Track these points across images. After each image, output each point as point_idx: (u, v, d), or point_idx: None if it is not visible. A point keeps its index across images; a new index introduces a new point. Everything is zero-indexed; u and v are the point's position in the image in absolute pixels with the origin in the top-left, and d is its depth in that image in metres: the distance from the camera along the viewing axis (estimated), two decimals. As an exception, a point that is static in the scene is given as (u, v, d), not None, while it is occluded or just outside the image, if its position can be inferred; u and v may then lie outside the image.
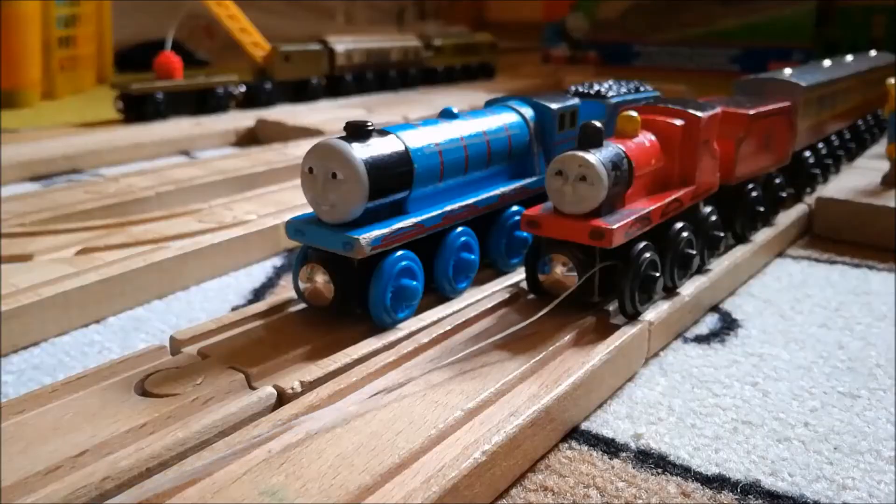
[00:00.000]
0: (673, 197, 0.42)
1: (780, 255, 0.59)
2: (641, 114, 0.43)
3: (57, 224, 0.57)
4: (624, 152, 0.40)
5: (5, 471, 0.27)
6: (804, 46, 1.71)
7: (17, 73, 1.18)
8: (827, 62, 0.80)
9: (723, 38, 1.82)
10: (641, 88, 0.59)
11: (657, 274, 0.40)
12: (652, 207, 0.40)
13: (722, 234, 0.47)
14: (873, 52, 1.00)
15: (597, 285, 0.40)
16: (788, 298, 0.51)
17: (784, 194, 0.57)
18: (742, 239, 0.53)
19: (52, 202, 0.63)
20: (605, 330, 0.40)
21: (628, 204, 0.40)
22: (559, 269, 0.39)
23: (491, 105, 0.49)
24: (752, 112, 0.50)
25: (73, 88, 1.34)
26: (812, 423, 0.36)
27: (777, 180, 0.57)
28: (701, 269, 0.47)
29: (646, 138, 0.43)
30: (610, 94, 0.55)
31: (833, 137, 0.74)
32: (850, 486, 0.31)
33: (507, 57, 1.86)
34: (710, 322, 0.47)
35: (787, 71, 0.68)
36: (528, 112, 0.48)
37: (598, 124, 0.39)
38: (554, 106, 0.48)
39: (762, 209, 0.52)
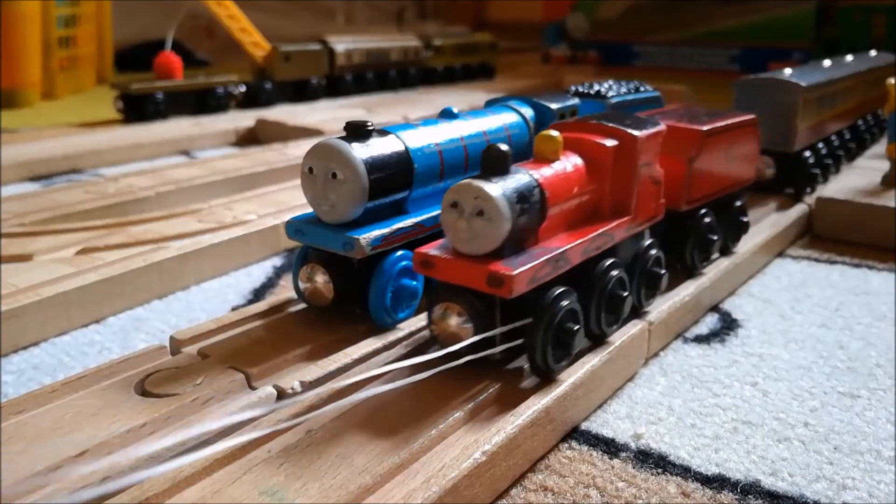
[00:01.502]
0: (601, 230, 0.36)
1: (780, 255, 0.59)
2: (567, 132, 0.37)
3: (57, 224, 0.57)
4: (536, 181, 0.33)
5: (5, 471, 0.27)
6: (804, 46, 1.71)
7: (17, 73, 1.18)
8: (827, 62, 0.80)
9: (723, 38, 1.82)
10: (641, 88, 0.59)
11: (576, 326, 0.34)
12: (571, 245, 0.34)
13: (663, 272, 0.41)
14: (873, 52, 1.00)
15: (499, 340, 0.33)
16: (788, 298, 0.51)
17: (746, 219, 0.51)
18: (692, 271, 0.47)
19: (52, 202, 0.63)
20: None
21: (543, 240, 0.34)
22: (454, 321, 0.33)
23: (491, 105, 0.49)
24: (706, 128, 0.45)
25: (73, 88, 1.34)
26: (812, 423, 0.36)
27: (738, 203, 0.51)
28: (638, 312, 0.41)
29: (569, 162, 0.36)
30: (610, 94, 0.55)
31: (833, 137, 0.74)
32: (850, 486, 0.31)
33: (507, 57, 1.86)
34: (710, 322, 0.47)
35: (787, 71, 0.68)
36: (528, 112, 0.48)
37: (504, 147, 0.32)
38: (554, 106, 0.48)
39: (715, 238, 0.47)
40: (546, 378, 0.34)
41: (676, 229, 0.45)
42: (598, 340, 0.38)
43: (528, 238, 0.33)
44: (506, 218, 0.31)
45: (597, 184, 0.37)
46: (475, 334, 0.32)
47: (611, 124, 0.38)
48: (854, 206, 0.62)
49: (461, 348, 0.31)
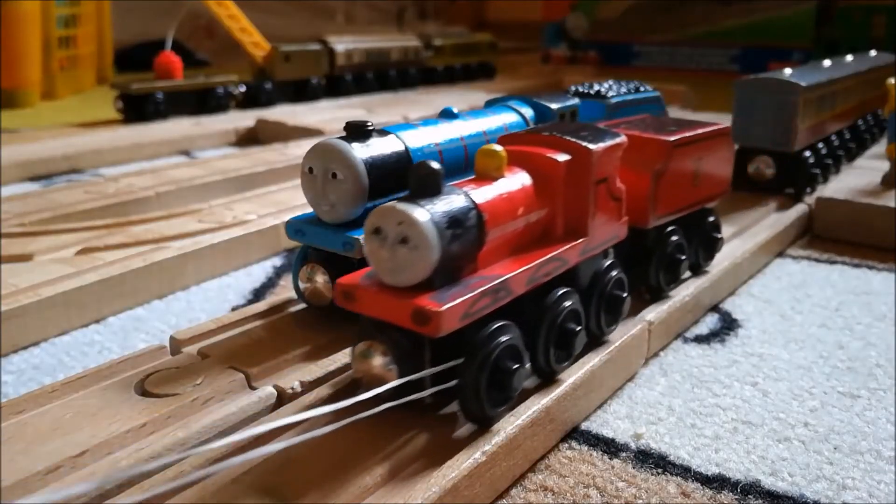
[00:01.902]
0: (552, 254, 0.32)
1: (780, 255, 0.59)
2: (515, 145, 0.34)
3: (57, 224, 0.57)
4: (472, 202, 0.29)
5: (5, 471, 0.27)
6: (804, 46, 1.71)
7: (17, 73, 1.18)
8: (827, 62, 0.80)
9: (723, 38, 1.82)
10: (641, 88, 0.59)
11: (515, 365, 0.30)
12: (514, 272, 0.30)
13: (625, 295, 0.38)
14: (873, 52, 1.00)
15: (429, 383, 0.29)
16: (788, 298, 0.51)
17: (719, 235, 0.47)
18: (658, 294, 0.43)
19: (52, 202, 0.63)
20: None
21: (483, 268, 0.30)
22: (377, 361, 0.29)
23: (491, 105, 0.49)
24: (673, 138, 0.41)
25: (73, 88, 1.34)
26: (812, 423, 0.36)
27: (711, 218, 0.47)
28: (599, 340, 0.38)
29: (514, 180, 0.32)
30: (610, 94, 0.55)
31: (833, 137, 0.74)
32: (850, 486, 0.31)
33: (507, 57, 1.86)
34: (710, 322, 0.47)
35: (787, 71, 0.68)
36: (528, 112, 0.48)
37: (435, 165, 0.29)
38: (554, 106, 0.48)
39: (683, 257, 0.43)
40: (483, 425, 0.30)
41: (641, 248, 0.42)
42: (548, 377, 0.34)
43: (463, 266, 0.30)
44: (433, 246, 0.27)
45: (547, 203, 0.33)
46: (400, 377, 0.28)
47: (564, 136, 0.34)
48: (854, 206, 0.62)
49: (384, 392, 0.28)
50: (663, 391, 0.39)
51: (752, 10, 1.78)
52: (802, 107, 0.63)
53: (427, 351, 0.29)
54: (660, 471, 0.32)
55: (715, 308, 0.49)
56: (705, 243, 0.47)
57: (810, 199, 0.65)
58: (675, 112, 0.97)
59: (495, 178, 0.32)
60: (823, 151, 0.70)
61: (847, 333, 0.46)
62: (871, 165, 0.74)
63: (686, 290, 0.45)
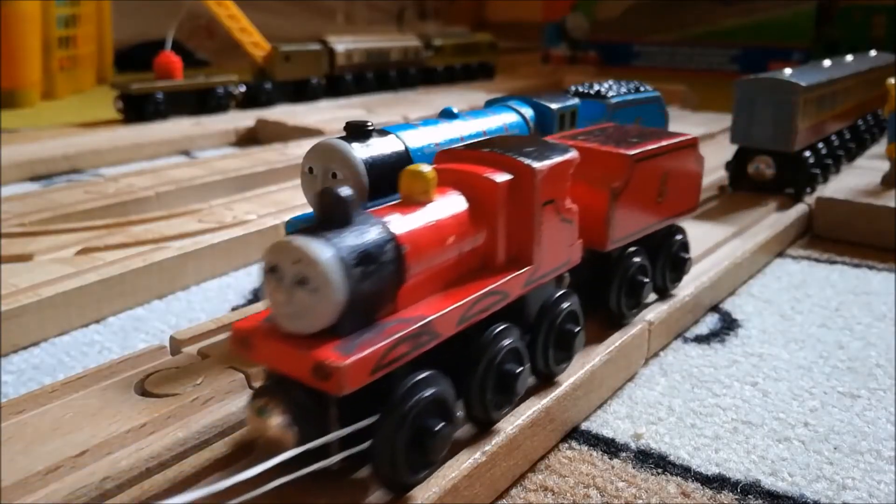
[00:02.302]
0: (489, 288, 0.28)
1: (780, 255, 0.59)
2: (450, 164, 0.31)
3: (57, 224, 0.57)
4: (390, 233, 0.26)
5: (5, 471, 0.27)
6: (804, 46, 1.71)
7: (17, 73, 1.18)
8: (827, 62, 0.80)
9: (723, 38, 1.82)
10: (641, 88, 0.59)
11: (440, 424, 0.26)
12: (441, 312, 0.26)
13: (577, 328, 0.34)
14: (873, 52, 1.00)
15: (337, 447, 0.25)
16: (788, 298, 0.51)
17: (687, 256, 0.44)
18: (619, 319, 0.40)
19: (52, 202, 0.63)
20: (602, 331, 0.39)
21: (405, 307, 0.26)
22: (275, 421, 0.25)
23: (491, 105, 0.49)
24: (633, 152, 0.38)
25: (73, 88, 1.34)
26: (812, 423, 0.36)
27: (678, 237, 0.44)
28: (550, 379, 0.34)
29: (445, 204, 0.29)
30: (610, 94, 0.55)
31: (833, 137, 0.74)
32: (850, 486, 0.31)
33: (507, 57, 1.86)
34: (710, 322, 0.47)
35: (787, 71, 0.68)
36: (528, 112, 0.48)
37: (345, 191, 0.25)
38: (554, 106, 0.48)
39: (646, 280, 0.40)
40: (399, 494, 0.26)
41: (600, 272, 0.39)
42: (486, 425, 0.30)
43: (379, 307, 0.25)
44: (337, 287, 0.23)
45: (485, 229, 0.30)
46: (300, 442, 0.24)
47: (505, 153, 0.31)
48: (854, 206, 0.62)
49: (281, 461, 0.23)
50: (663, 391, 0.39)
51: (752, 10, 1.78)
52: (802, 107, 0.63)
53: (333, 410, 0.25)
54: (660, 471, 0.32)
55: (715, 308, 0.49)
56: (672, 264, 0.43)
57: (810, 199, 0.65)
58: (675, 112, 0.97)
59: (422, 203, 0.28)
60: (823, 151, 0.70)
61: (847, 333, 0.46)
62: (871, 165, 0.74)
63: (686, 290, 0.45)
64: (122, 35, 1.56)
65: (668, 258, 0.43)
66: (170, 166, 0.78)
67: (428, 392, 0.26)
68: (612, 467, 0.32)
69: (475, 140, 0.33)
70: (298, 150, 0.84)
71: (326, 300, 0.23)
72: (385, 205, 0.28)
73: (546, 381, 0.34)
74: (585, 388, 0.35)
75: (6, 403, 0.31)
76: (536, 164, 0.30)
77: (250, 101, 1.14)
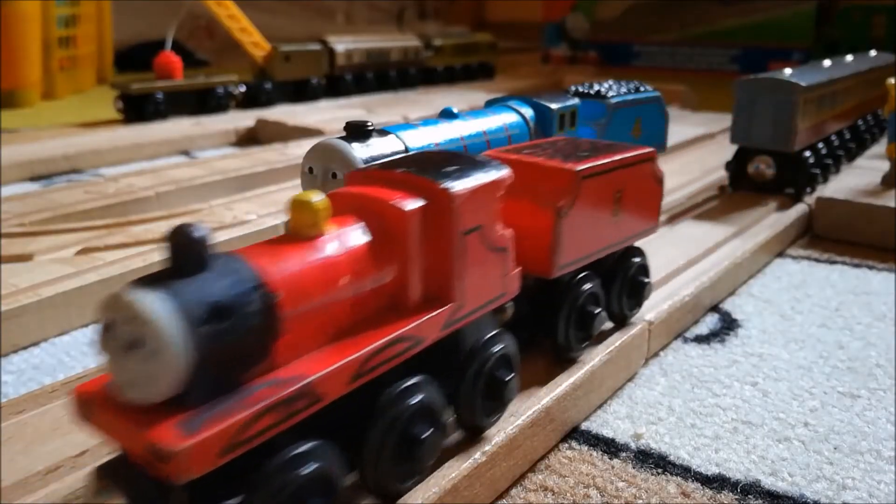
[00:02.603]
0: (394, 334, 0.24)
1: (780, 255, 0.59)
2: (359, 186, 0.27)
3: (57, 224, 0.57)
4: (256, 278, 0.21)
5: (5, 471, 0.27)
6: (804, 46, 1.71)
7: (17, 73, 1.18)
8: (827, 62, 0.80)
9: (723, 38, 1.82)
10: (641, 88, 0.59)
11: None
12: (324, 371, 0.22)
13: (510, 376, 0.29)
14: (873, 52, 1.00)
15: None
16: (788, 298, 0.51)
17: (647, 280, 0.40)
18: (566, 352, 0.36)
19: (52, 202, 0.63)
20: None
21: (283, 363, 0.22)
22: None
23: (491, 105, 0.49)
24: (581, 167, 0.34)
25: (73, 88, 1.34)
26: (812, 423, 0.36)
27: (636, 259, 0.40)
28: (479, 434, 0.30)
29: (338, 238, 0.24)
30: (610, 94, 0.55)
31: (833, 137, 0.74)
32: (850, 486, 0.31)
33: (507, 57, 1.86)
34: (710, 322, 0.47)
35: (787, 71, 0.68)
36: (528, 112, 0.48)
37: (199, 231, 0.20)
38: (554, 106, 0.48)
39: (598, 310, 0.36)
40: None
41: (546, 302, 0.35)
42: (392, 497, 0.26)
43: (246, 367, 0.21)
44: (178, 351, 0.19)
45: (394, 264, 0.26)
46: None
47: (420, 174, 0.27)
48: (854, 206, 0.62)
49: None
50: (663, 391, 0.39)
51: (752, 10, 1.78)
52: (802, 107, 0.63)
53: (179, 496, 0.20)
54: (660, 471, 0.32)
55: (715, 308, 0.49)
56: (630, 289, 0.39)
57: (810, 199, 0.65)
58: (675, 112, 0.97)
59: (310, 239, 0.24)
60: (823, 151, 0.70)
61: (847, 333, 0.46)
62: (871, 165, 0.74)
63: (686, 290, 0.45)
64: (122, 35, 1.56)
65: (626, 283, 0.39)
66: (170, 166, 0.78)
67: (306, 469, 0.22)
68: (612, 467, 0.32)
69: (394, 157, 0.29)
70: (298, 150, 0.84)
71: (165, 366, 0.19)
72: (262, 242, 0.24)
73: (474, 435, 0.30)
74: (585, 388, 0.35)
75: (6, 403, 0.31)
76: (455, 188, 0.26)
77: (250, 101, 1.14)
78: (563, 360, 0.36)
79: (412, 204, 0.26)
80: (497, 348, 0.29)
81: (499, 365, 0.30)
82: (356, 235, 0.25)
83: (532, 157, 0.35)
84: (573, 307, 0.35)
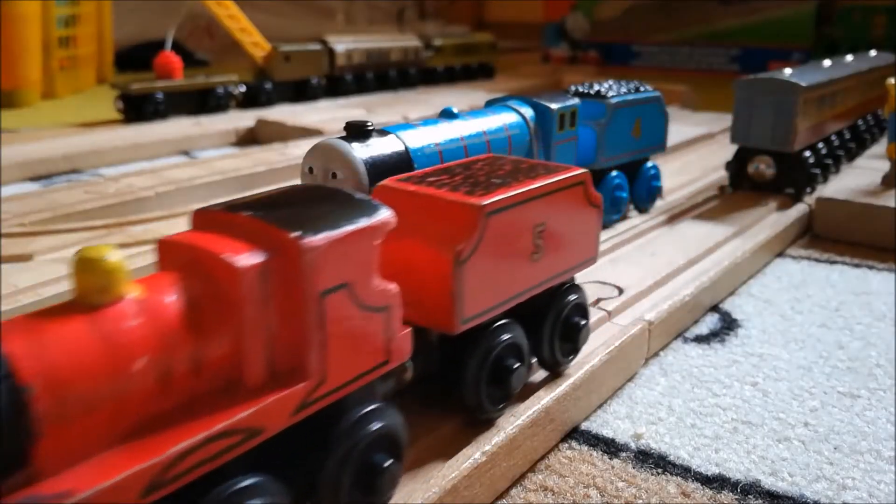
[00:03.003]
0: (216, 428, 0.19)
1: (780, 255, 0.59)
2: (200, 231, 0.23)
3: (57, 224, 0.57)
4: (3, 367, 0.17)
5: (5, 471, 0.27)
6: (804, 46, 1.71)
7: (17, 72, 1.18)
8: (827, 62, 0.80)
9: (723, 39, 1.82)
10: (641, 88, 0.59)
11: None
12: (103, 484, 0.17)
13: (387, 464, 0.24)
14: (873, 52, 1.00)
15: None
16: (788, 298, 0.51)
17: (584, 322, 0.35)
18: (479, 413, 0.31)
19: (52, 202, 0.63)
20: (604, 330, 0.39)
21: (51, 472, 0.17)
22: None
23: (491, 105, 0.49)
24: (487, 201, 0.28)
25: (73, 88, 1.34)
26: (812, 423, 0.36)
27: (571, 297, 0.34)
28: None
29: (140, 305, 0.20)
30: (610, 94, 0.55)
31: (833, 137, 0.74)
32: (850, 486, 0.31)
33: (507, 57, 1.86)
34: (710, 322, 0.47)
35: (787, 71, 0.68)
36: (528, 112, 0.48)
37: None
38: (554, 106, 0.48)
39: (518, 364, 0.31)
40: None
41: (451, 358, 0.30)
42: None
43: None
44: None
45: (225, 334, 0.20)
46: None
47: (267, 219, 0.22)
48: (854, 206, 0.62)
49: None
50: (663, 391, 0.39)
51: (751, 10, 1.78)
52: (802, 107, 0.63)
53: None
54: (660, 471, 0.32)
55: (715, 308, 0.49)
56: (563, 333, 0.34)
57: (810, 199, 0.65)
58: (675, 112, 0.97)
59: (99, 307, 0.19)
60: (823, 151, 0.70)
61: (847, 333, 0.46)
62: (871, 165, 0.74)
63: (686, 290, 0.45)
64: (122, 35, 1.56)
65: (558, 326, 0.34)
66: (170, 166, 0.78)
67: None
68: (612, 467, 0.32)
69: (247, 197, 0.24)
70: (298, 150, 0.84)
71: None
72: (31, 313, 0.19)
73: None
74: (585, 388, 0.35)
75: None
76: (309, 238, 0.21)
77: (250, 101, 1.14)
78: (478, 424, 0.31)
79: (248, 259, 0.20)
80: (373, 427, 0.24)
81: (376, 447, 0.24)
82: (167, 300, 0.20)
83: (432, 188, 0.29)
84: (485, 362, 0.30)
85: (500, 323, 0.31)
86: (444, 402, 0.31)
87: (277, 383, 0.21)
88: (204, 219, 0.23)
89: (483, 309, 0.29)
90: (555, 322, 0.33)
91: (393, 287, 0.24)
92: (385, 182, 0.30)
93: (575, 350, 0.35)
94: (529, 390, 0.33)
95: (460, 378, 0.30)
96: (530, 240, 0.31)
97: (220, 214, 0.23)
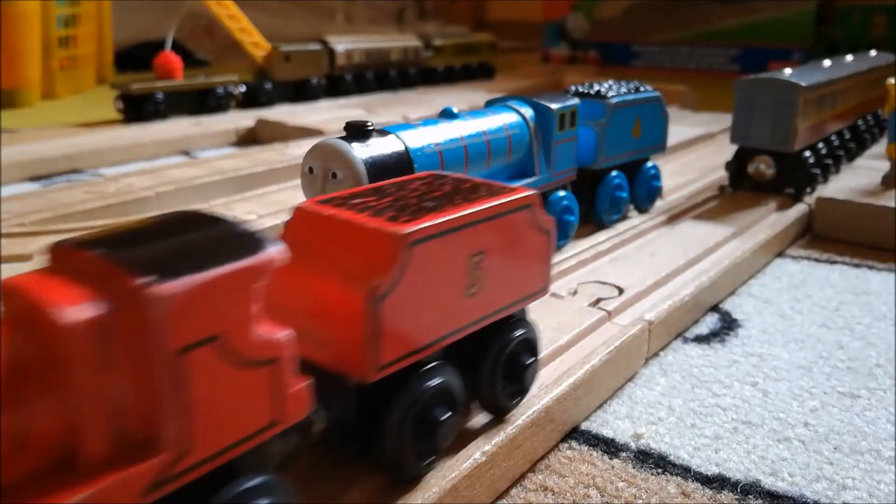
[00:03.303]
0: None
1: (780, 255, 0.59)
2: (53, 271, 0.18)
3: (57, 224, 0.57)
4: None
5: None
6: (804, 46, 1.71)
7: (17, 72, 1.18)
8: (827, 62, 0.80)
9: (723, 38, 1.82)
10: (641, 88, 0.59)
11: None
12: None
13: None
14: (873, 52, 1.00)
15: None
16: (788, 298, 0.51)
17: (532, 360, 0.31)
18: (401, 471, 0.27)
19: (52, 202, 0.63)
20: (604, 330, 0.39)
21: None
22: None
23: (491, 105, 0.49)
24: (410, 229, 0.24)
25: (73, 88, 1.34)
26: (812, 423, 0.36)
27: (518, 333, 0.30)
28: None
29: None
30: (610, 94, 0.55)
31: (833, 137, 0.74)
32: (850, 486, 0.31)
33: (507, 57, 1.86)
34: (710, 322, 0.47)
35: (787, 71, 0.68)
36: (528, 112, 0.48)
37: None
38: (554, 106, 0.48)
39: (446, 415, 0.27)
40: None
41: (369, 408, 0.26)
42: None
43: None
44: None
45: (53, 400, 0.17)
46: None
47: (114, 260, 0.18)
48: (854, 206, 0.62)
49: None
50: (663, 391, 0.39)
51: (751, 10, 1.78)
52: (802, 107, 0.63)
53: None
54: (660, 471, 0.32)
55: (715, 308, 0.49)
56: (508, 373, 0.30)
57: (810, 199, 0.65)
58: (675, 112, 0.97)
59: None
60: (823, 151, 0.70)
61: (847, 333, 0.46)
62: (871, 165, 0.74)
63: (686, 290, 0.45)
64: (122, 35, 1.56)
65: (500, 366, 0.30)
66: (170, 166, 0.78)
67: None
68: (612, 467, 0.32)
69: (111, 228, 0.20)
70: (298, 150, 0.84)
71: None
72: None
73: None
74: (585, 388, 0.35)
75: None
76: (160, 285, 0.17)
77: (250, 101, 1.14)
78: (402, 481, 0.27)
79: (78, 313, 0.17)
80: None
81: None
82: None
83: (353, 212, 0.26)
84: (409, 412, 0.26)
85: (428, 366, 0.27)
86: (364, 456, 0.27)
87: (126, 459, 0.17)
88: (59, 255, 0.19)
89: (406, 351, 0.25)
90: (496, 361, 0.30)
91: (283, 335, 0.20)
92: (304, 204, 0.27)
93: (522, 391, 0.32)
94: (470, 436, 0.30)
95: (380, 431, 0.26)
96: (465, 272, 0.27)
97: (73, 251, 0.19)
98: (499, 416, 0.31)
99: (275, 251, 0.20)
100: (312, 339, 0.24)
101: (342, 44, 1.26)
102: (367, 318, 0.23)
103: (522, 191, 0.29)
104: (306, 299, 0.25)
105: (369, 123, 0.38)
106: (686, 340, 0.44)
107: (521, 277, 0.30)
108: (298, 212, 0.27)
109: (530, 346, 0.32)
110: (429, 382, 0.27)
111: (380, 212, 0.26)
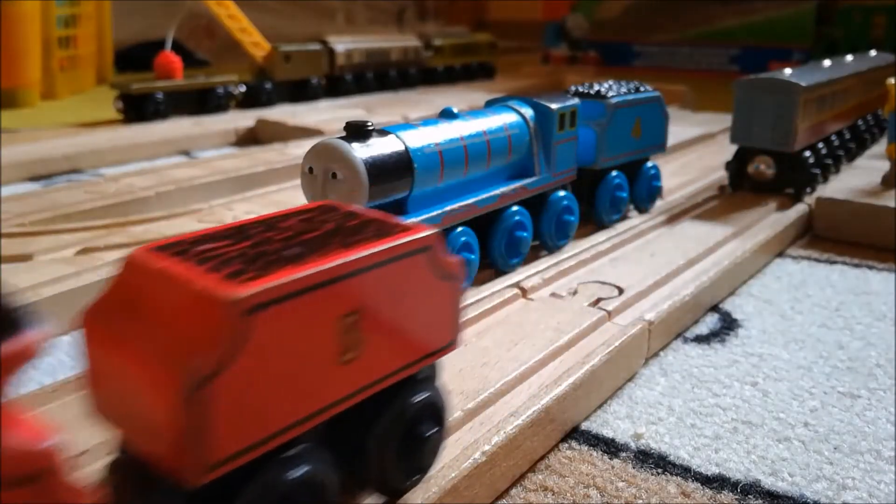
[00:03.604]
0: None
1: (780, 255, 0.59)
2: None
3: (57, 224, 0.57)
4: None
5: (4, 471, 0.26)
6: (804, 46, 1.71)
7: (17, 72, 1.18)
8: (827, 62, 0.80)
9: (723, 38, 1.82)
10: (641, 88, 0.59)
11: None
12: None
13: None
14: (873, 52, 1.00)
15: None
16: (788, 298, 0.51)
17: (435, 428, 0.26)
18: None
19: (52, 202, 0.63)
20: (604, 330, 0.40)
21: None
22: None
23: (491, 105, 0.49)
24: (249, 291, 0.19)
25: (73, 88, 1.34)
26: (812, 423, 0.36)
27: (418, 397, 0.25)
28: None
29: None
30: (610, 94, 0.55)
31: (833, 137, 0.74)
32: (850, 486, 0.31)
33: (507, 57, 1.86)
34: (710, 322, 0.47)
35: (787, 71, 0.68)
36: (528, 112, 0.48)
37: None
38: (554, 106, 0.48)
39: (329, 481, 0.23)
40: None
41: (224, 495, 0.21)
42: None
43: None
44: None
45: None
46: None
47: None
48: (854, 206, 0.62)
49: None
50: (663, 391, 0.39)
51: (751, 10, 1.78)
52: (802, 107, 0.63)
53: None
54: (660, 471, 0.32)
55: (715, 308, 0.49)
56: (403, 448, 0.25)
57: (810, 199, 0.65)
58: (675, 112, 0.97)
59: None
60: (823, 151, 0.70)
61: (847, 333, 0.46)
62: (871, 165, 0.74)
63: (686, 290, 0.45)
64: (122, 35, 1.56)
65: (394, 440, 0.25)
66: (170, 166, 0.78)
67: None
68: (612, 467, 0.32)
69: None
70: (298, 150, 0.85)
71: None
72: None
73: None
74: (585, 388, 0.35)
75: (6, 404, 0.31)
76: None
77: (250, 101, 1.14)
78: None
79: None
80: None
81: None
82: None
83: (189, 263, 0.20)
84: None
85: (288, 454, 0.21)
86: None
87: None
88: None
89: (251, 442, 0.20)
90: (386, 435, 0.25)
91: (46, 444, 0.16)
92: (138, 251, 0.21)
93: (421, 468, 0.26)
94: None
95: None
96: (335, 336, 0.22)
97: None
98: (393, 499, 0.26)
99: (27, 339, 0.16)
100: (140, 428, 0.20)
101: (342, 44, 1.26)
102: (185, 407, 0.18)
103: (419, 230, 0.24)
104: (126, 379, 0.20)
105: (369, 123, 0.38)
106: (686, 340, 0.44)
107: (420, 333, 0.25)
108: (130, 261, 0.21)
109: (434, 412, 0.26)
110: (287, 474, 0.21)
111: (225, 263, 0.20)
